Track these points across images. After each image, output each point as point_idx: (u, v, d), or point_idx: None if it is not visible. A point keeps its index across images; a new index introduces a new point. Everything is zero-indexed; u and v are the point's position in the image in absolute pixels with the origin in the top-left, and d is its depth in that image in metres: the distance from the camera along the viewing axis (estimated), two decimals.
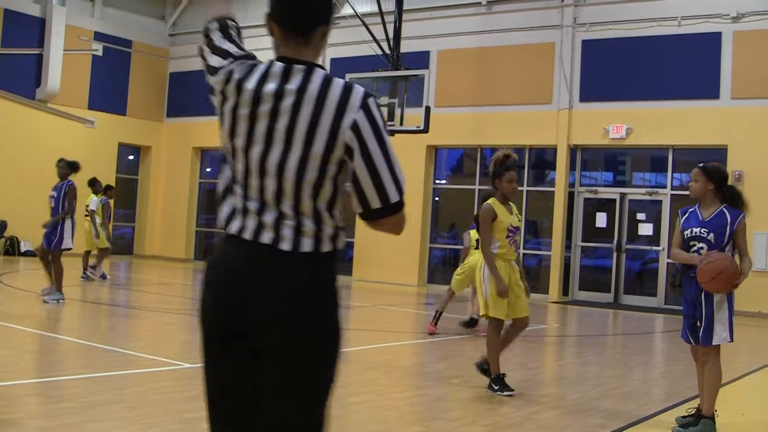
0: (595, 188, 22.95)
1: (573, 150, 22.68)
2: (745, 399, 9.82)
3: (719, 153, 20.22)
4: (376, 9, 22.22)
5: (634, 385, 9.96)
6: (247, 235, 2.95)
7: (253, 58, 3.21)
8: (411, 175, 24.12)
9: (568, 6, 22.70)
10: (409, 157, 23.63)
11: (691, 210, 7.46)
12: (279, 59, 3.04)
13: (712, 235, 7.20)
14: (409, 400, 8.47)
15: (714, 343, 7.19)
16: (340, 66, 24.55)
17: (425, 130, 19.49)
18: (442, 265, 24.89)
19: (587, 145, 22.65)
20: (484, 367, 8.86)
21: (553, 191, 22.71)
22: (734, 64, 20.40)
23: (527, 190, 23.18)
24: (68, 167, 14.47)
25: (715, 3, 20.75)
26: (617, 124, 21.61)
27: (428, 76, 20.74)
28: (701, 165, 7.48)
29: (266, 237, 2.92)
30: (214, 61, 3.26)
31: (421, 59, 23.45)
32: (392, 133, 19.87)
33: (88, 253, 19.43)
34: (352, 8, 23.50)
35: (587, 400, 8.68)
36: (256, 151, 2.94)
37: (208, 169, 30.85)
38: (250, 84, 2.98)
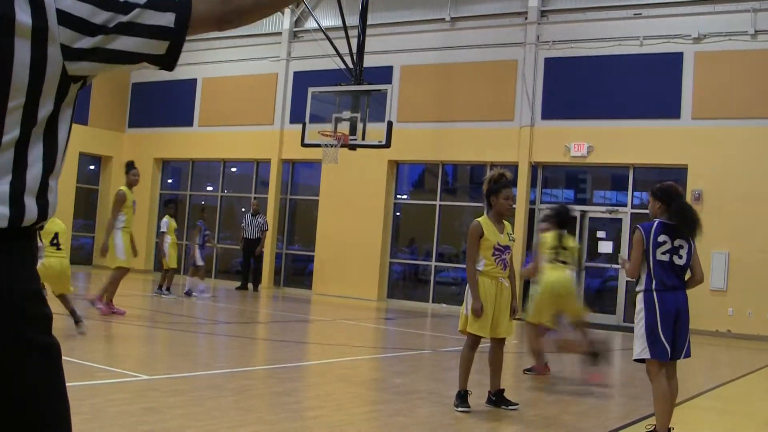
0: (551, 206, 23.03)
1: (534, 167, 22.75)
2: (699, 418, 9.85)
3: (679, 172, 20.37)
4: (339, 23, 22.16)
5: (591, 402, 9.96)
6: None
7: None
8: (372, 190, 24.12)
9: (531, 24, 22.81)
10: (371, 172, 23.63)
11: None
12: None
13: None
14: (366, 415, 8.40)
15: (634, 357, 7.49)
16: (303, 79, 24.56)
17: (387, 145, 19.45)
18: (402, 280, 24.87)
19: (548, 163, 22.74)
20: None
21: (515, 208, 22.71)
22: (695, 84, 20.58)
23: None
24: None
25: (677, 24, 20.94)
26: (578, 142, 21.72)
27: (391, 91, 20.73)
28: (652, 187, 7.78)
29: None
30: None
31: (384, 74, 23.47)
32: (354, 147, 19.85)
33: (167, 271, 19.60)
34: (316, 22, 23.48)
35: (547, 415, 8.67)
36: None
37: (170, 180, 30.67)
38: None
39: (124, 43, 2.15)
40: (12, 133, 2.07)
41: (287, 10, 26.39)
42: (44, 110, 2.12)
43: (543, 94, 22.57)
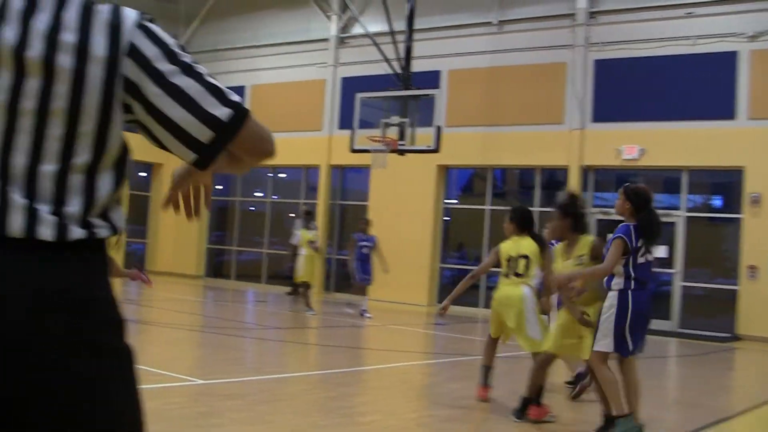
0: (607, 209, 22.77)
1: (585, 171, 22.54)
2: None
3: (735, 174, 20.09)
4: (387, 28, 22.15)
5: (645, 411, 9.80)
6: None
7: None
8: (421, 194, 24.06)
9: (580, 26, 22.62)
10: (420, 177, 23.56)
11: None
12: None
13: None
14: (420, 421, 8.33)
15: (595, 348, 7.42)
16: (351, 85, 24.55)
17: (436, 149, 19.38)
18: (451, 285, 24.71)
19: (599, 166, 22.51)
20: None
21: None
22: (751, 83, 20.23)
23: (539, 211, 23.05)
24: None
25: (731, 22, 20.63)
26: (630, 144, 21.47)
27: (439, 95, 20.67)
28: (625, 185, 7.85)
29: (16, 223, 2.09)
30: None
31: (432, 79, 23.38)
32: (402, 152, 19.80)
33: (299, 286, 19.17)
34: (363, 27, 23.48)
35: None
36: (1, 87, 2.11)
37: (220, 187, 30.83)
38: None
39: (172, 107, 2.18)
40: (83, 157, 2.14)
41: (334, 16, 26.42)
42: (112, 135, 2.19)
43: (593, 97, 22.36)
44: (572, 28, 22.81)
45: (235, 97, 2.23)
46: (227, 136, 2.20)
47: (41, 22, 2.13)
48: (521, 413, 8.19)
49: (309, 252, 18.74)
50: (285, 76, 27.50)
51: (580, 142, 22.21)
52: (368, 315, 18.57)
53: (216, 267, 30.16)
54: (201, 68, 2.22)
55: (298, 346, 14.24)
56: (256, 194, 29.74)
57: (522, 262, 9.03)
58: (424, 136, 19.51)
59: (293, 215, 26.69)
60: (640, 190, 7.69)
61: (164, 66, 2.17)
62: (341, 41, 26.72)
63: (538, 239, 9.18)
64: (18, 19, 2.13)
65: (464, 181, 26.49)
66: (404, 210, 23.95)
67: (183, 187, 2.52)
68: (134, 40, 2.16)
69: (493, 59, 23.83)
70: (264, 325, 17.60)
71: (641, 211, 7.57)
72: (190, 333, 14.22)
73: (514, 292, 8.92)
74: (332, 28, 26.76)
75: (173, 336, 13.67)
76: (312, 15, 27.04)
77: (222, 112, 2.19)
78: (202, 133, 2.18)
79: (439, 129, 19.50)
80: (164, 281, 27.04)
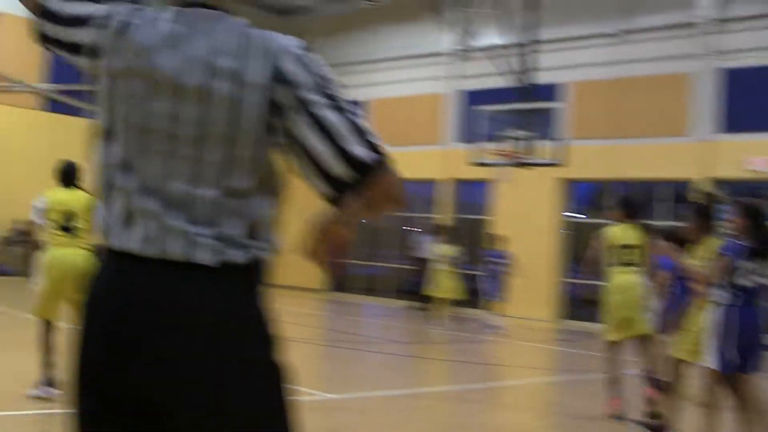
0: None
1: (712, 183, 22.01)
2: None
3: None
4: (507, 41, 22.10)
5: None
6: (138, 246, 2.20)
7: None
8: (544, 208, 23.85)
9: (705, 35, 22.14)
10: (542, 190, 23.35)
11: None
12: (182, 3, 2.33)
13: None
14: None
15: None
16: (472, 98, 24.50)
17: (558, 163, 19.23)
18: (575, 300, 24.42)
19: (728, 179, 21.97)
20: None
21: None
22: None
23: (664, 225, 22.58)
24: None
25: None
26: (761, 156, 20.90)
27: (561, 108, 20.50)
28: (738, 199, 7.63)
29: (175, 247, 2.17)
30: (80, 8, 2.40)
31: (554, 91, 23.19)
32: (525, 165, 19.68)
33: (442, 301, 18.73)
34: (484, 40, 23.45)
35: None
36: (160, 115, 2.19)
37: None
38: (146, 28, 2.27)
39: (315, 139, 2.21)
40: (239, 180, 2.21)
41: (453, 29, 26.41)
42: (266, 158, 2.27)
43: (720, 107, 21.84)
44: (698, 37, 22.33)
45: (379, 141, 2.24)
46: (365, 177, 2.22)
47: (198, 48, 2.20)
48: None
49: (448, 268, 18.43)
50: (405, 89, 27.59)
51: (707, 154, 21.71)
52: (498, 330, 18.18)
53: (340, 281, 30.35)
54: (350, 104, 2.24)
55: (423, 361, 14.26)
56: None
57: (636, 252, 9.05)
58: (546, 149, 19.38)
59: (416, 228, 26.77)
60: (756, 205, 7.37)
61: (314, 96, 2.20)
62: (461, 54, 26.68)
63: (645, 228, 9.25)
64: (175, 45, 2.22)
65: (586, 194, 26.17)
66: (526, 224, 23.74)
67: (323, 238, 2.46)
68: (289, 67, 2.21)
69: (616, 70, 23.48)
70: (388, 339, 17.67)
71: (755, 229, 7.18)
72: (315, 347, 14.37)
73: (633, 280, 9.00)
74: (451, 42, 26.75)
75: (298, 350, 13.83)
76: (432, 28, 27.10)
77: (364, 153, 2.20)
78: (341, 170, 2.20)
79: (561, 142, 19.35)
80: (288, 295, 27.38)
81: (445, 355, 15.60)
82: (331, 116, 2.19)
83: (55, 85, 25.85)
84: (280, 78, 2.20)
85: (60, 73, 25.88)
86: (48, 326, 8.00)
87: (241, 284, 2.20)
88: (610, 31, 23.58)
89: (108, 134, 2.28)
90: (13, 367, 7.95)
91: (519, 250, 22.45)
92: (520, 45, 21.33)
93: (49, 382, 7.80)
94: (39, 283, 8.03)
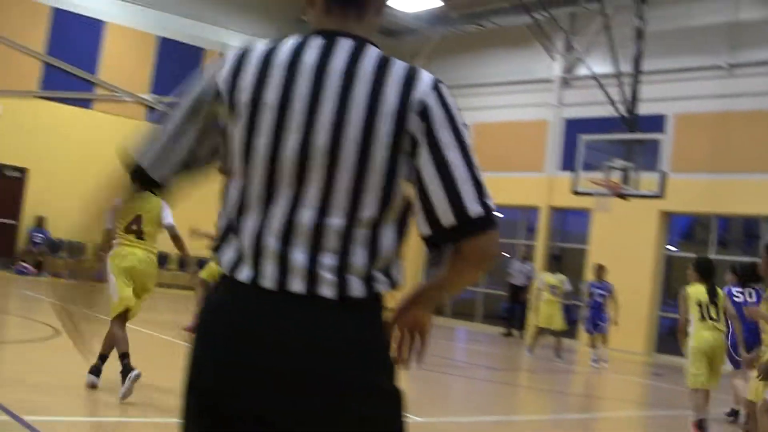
0: None
1: None
2: None
3: None
4: (612, 70, 22.02)
5: None
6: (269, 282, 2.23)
7: None
8: (642, 240, 23.59)
9: None
10: (642, 222, 23.12)
11: None
12: (318, 33, 2.36)
13: None
14: None
15: None
16: (575, 126, 24.41)
17: (660, 195, 19.07)
18: (670, 335, 24.07)
19: None
20: None
21: None
22: None
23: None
24: None
25: None
26: None
27: (664, 139, 20.34)
28: None
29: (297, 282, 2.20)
30: (195, 93, 2.40)
31: (658, 122, 22.96)
32: (625, 196, 19.55)
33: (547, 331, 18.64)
34: (588, 68, 23.38)
35: None
36: (291, 146, 2.21)
37: None
38: (278, 58, 2.29)
39: (432, 178, 2.22)
40: (369, 211, 2.22)
41: (558, 56, 26.36)
42: (396, 188, 2.25)
43: None
44: None
45: (491, 202, 2.24)
46: (467, 231, 2.21)
47: (332, 76, 2.24)
48: None
49: (550, 297, 18.23)
50: (508, 115, 27.60)
51: None
52: (601, 363, 17.83)
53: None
54: (474, 154, 2.27)
55: (516, 388, 14.27)
56: None
57: (713, 308, 9.76)
58: (647, 180, 19.25)
59: (508, 255, 26.71)
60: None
61: (444, 135, 2.21)
62: (565, 82, 26.62)
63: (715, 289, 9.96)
64: (307, 74, 2.25)
65: (685, 228, 25.83)
66: (624, 255, 23.51)
67: (401, 323, 2.46)
68: (426, 100, 2.21)
69: (723, 104, 23.14)
70: (480, 364, 17.69)
71: None
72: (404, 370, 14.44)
73: (717, 335, 9.74)
74: (556, 69, 26.70)
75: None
76: (536, 55, 27.08)
77: (474, 208, 2.21)
78: (446, 217, 2.20)
79: (663, 174, 19.19)
80: None
81: (539, 383, 15.56)
82: (456, 162, 2.21)
83: (159, 96, 26.47)
84: (414, 109, 2.20)
85: (163, 83, 26.55)
86: (122, 320, 8.24)
87: (363, 314, 2.23)
88: (717, 63, 23.27)
89: (234, 170, 2.31)
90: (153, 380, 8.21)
91: (615, 281, 22.24)
92: (625, 75, 21.22)
93: (96, 371, 8.15)
94: (110, 284, 8.25)
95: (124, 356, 7.94)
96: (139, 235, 8.37)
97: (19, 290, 19.68)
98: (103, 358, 8.21)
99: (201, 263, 13.78)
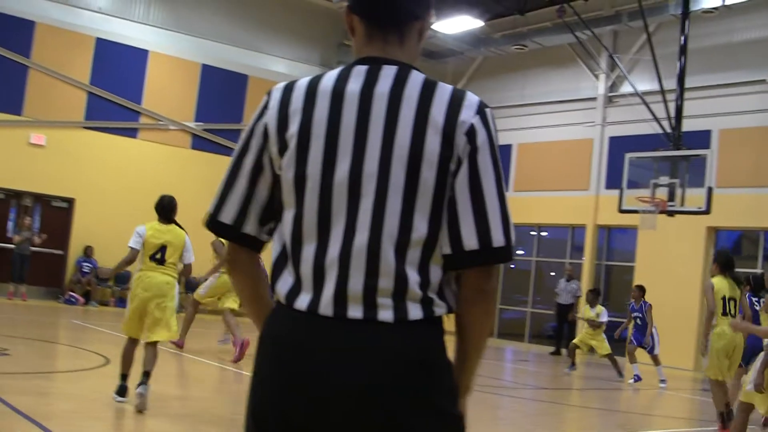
0: None
1: None
2: None
3: None
4: (656, 87, 21.90)
5: None
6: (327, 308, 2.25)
7: None
8: (690, 256, 23.38)
9: None
10: (688, 239, 22.93)
11: None
12: (361, 60, 2.38)
13: None
14: None
15: None
16: (619, 144, 24.30)
17: (707, 211, 18.90)
18: None
19: None
20: None
21: None
22: None
23: None
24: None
25: None
26: None
27: (710, 155, 20.18)
28: None
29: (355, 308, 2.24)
30: (248, 141, 2.41)
31: (703, 138, 22.78)
32: (672, 213, 19.41)
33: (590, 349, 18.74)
34: (632, 86, 23.28)
35: None
36: (342, 172, 2.25)
37: None
38: (322, 88, 2.32)
39: (464, 201, 2.25)
40: (420, 232, 2.24)
41: (602, 75, 26.28)
42: (445, 209, 2.27)
43: None
44: None
45: (513, 238, 2.30)
46: (486, 258, 2.26)
47: (380, 100, 2.26)
48: None
49: (589, 330, 18.23)
50: (552, 134, 27.51)
51: None
52: (662, 384, 17.65)
53: None
54: (504, 183, 2.29)
55: (564, 408, 14.17)
56: (518, 252, 29.77)
57: (732, 304, 10.64)
58: (694, 197, 19.11)
59: (554, 274, 26.61)
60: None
61: (484, 160, 2.25)
62: (609, 100, 26.50)
63: (737, 281, 10.87)
64: (355, 99, 2.28)
65: (733, 243, 25.55)
66: (672, 271, 23.32)
67: None
68: (472, 122, 2.25)
69: (766, 118, 22.93)
70: (528, 384, 17.59)
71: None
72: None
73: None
74: (600, 87, 26.61)
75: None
76: (580, 74, 27.04)
77: (497, 239, 2.26)
78: (469, 241, 2.24)
79: (710, 190, 19.03)
80: None
81: (587, 401, 15.44)
82: (490, 189, 2.25)
83: (203, 123, 26.70)
84: (461, 131, 2.23)
85: (208, 111, 26.79)
86: (132, 343, 9.02)
87: (422, 337, 2.24)
88: (762, 77, 23.07)
89: (286, 201, 2.34)
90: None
91: (663, 297, 22.07)
92: (669, 91, 21.10)
93: (122, 391, 8.91)
94: (127, 304, 9.17)
95: (125, 377, 8.96)
96: (161, 262, 9.05)
97: (68, 320, 19.86)
98: (123, 377, 9.01)
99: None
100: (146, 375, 8.66)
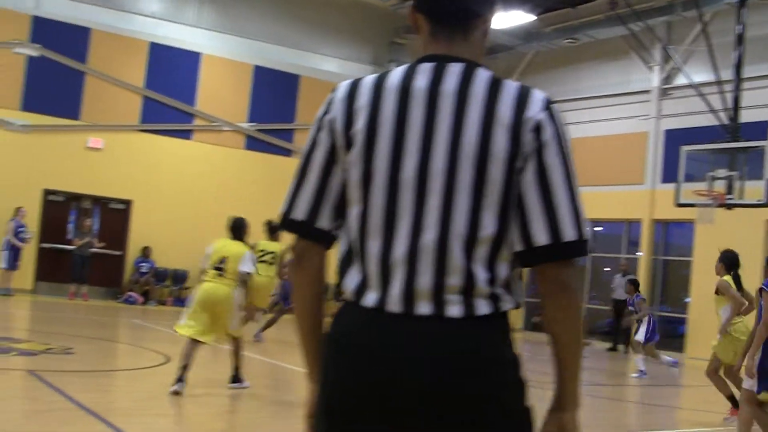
0: None
1: None
2: None
3: None
4: (712, 78, 21.63)
5: None
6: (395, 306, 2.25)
7: None
8: (748, 250, 23.01)
9: None
10: (747, 232, 22.60)
11: None
12: (426, 58, 2.37)
13: None
14: None
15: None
16: (675, 137, 24.01)
17: (766, 203, 18.63)
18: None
19: None
20: None
21: None
22: None
23: None
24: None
25: None
26: None
27: None
28: None
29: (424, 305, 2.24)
30: (316, 139, 2.41)
31: (761, 129, 22.43)
32: (730, 206, 19.16)
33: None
34: (687, 77, 23.02)
35: None
36: (409, 169, 2.25)
37: None
38: (388, 85, 2.31)
39: (533, 198, 2.25)
40: (488, 230, 2.24)
41: (656, 67, 26.00)
42: (513, 206, 2.27)
43: None
44: None
45: (587, 233, 2.27)
46: (558, 253, 2.24)
47: (446, 98, 2.26)
48: None
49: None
50: (606, 128, 27.25)
51: None
52: (636, 375, 17.41)
53: (533, 321, 30.13)
54: (576, 179, 2.28)
55: (619, 404, 14.06)
56: None
57: None
58: (752, 189, 18.84)
59: (609, 269, 26.41)
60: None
61: (552, 155, 2.24)
62: (664, 92, 26.19)
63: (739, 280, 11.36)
64: (422, 96, 2.27)
65: None
66: None
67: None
68: (539, 118, 2.24)
69: None
70: (582, 379, 17.45)
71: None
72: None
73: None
74: (654, 79, 26.31)
75: None
76: (633, 66, 26.78)
77: (568, 233, 2.23)
78: (540, 237, 2.23)
79: None
80: None
81: (643, 397, 15.30)
82: (559, 184, 2.24)
83: (257, 124, 26.87)
84: (529, 127, 2.23)
85: (261, 111, 26.97)
86: (193, 343, 9.56)
87: (491, 332, 2.25)
88: None
89: (353, 198, 2.33)
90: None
91: None
92: (726, 82, 20.82)
93: (180, 379, 9.35)
94: (189, 307, 9.89)
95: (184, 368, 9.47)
96: (221, 272, 9.90)
97: (128, 319, 20.10)
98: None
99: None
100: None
